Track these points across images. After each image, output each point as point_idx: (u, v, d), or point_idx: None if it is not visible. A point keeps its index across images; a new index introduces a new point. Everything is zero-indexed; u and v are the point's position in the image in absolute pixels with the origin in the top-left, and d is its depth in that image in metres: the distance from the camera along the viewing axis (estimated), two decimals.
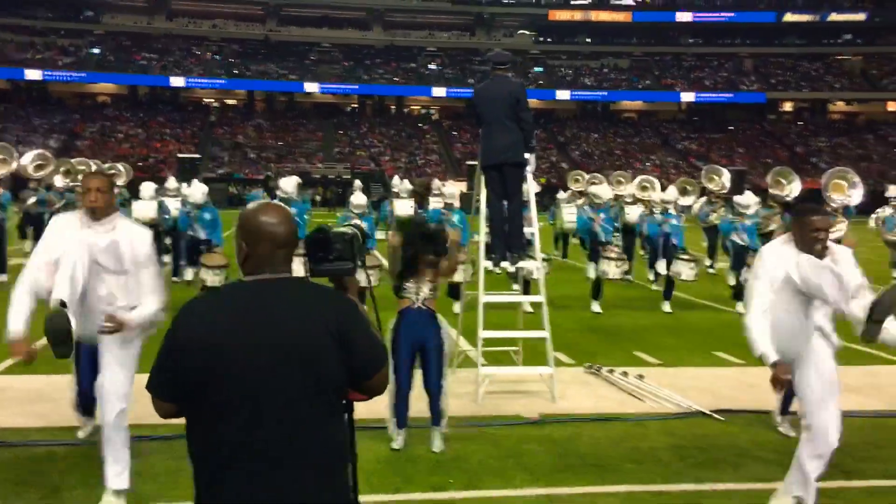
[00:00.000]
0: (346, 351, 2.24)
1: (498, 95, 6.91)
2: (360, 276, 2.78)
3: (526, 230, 7.32)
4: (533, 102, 61.86)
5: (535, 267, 7.21)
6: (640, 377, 7.44)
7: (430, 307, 5.56)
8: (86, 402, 5.30)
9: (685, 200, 14.91)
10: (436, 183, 16.16)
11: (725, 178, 15.67)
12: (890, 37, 63.40)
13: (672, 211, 12.42)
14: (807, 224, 4.34)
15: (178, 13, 63.18)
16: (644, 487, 4.96)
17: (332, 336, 2.22)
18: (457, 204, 11.38)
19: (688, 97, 62.91)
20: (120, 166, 19.43)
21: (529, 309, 8.75)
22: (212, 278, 10.19)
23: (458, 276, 8.26)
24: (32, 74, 55.97)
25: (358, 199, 11.18)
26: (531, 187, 7.37)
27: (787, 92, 63.87)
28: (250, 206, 2.45)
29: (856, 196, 11.95)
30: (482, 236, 7.31)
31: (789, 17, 63.24)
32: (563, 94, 61.99)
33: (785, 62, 65.18)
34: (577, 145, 60.41)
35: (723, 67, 65.27)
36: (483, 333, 6.90)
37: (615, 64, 65.86)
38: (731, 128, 63.35)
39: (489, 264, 7.22)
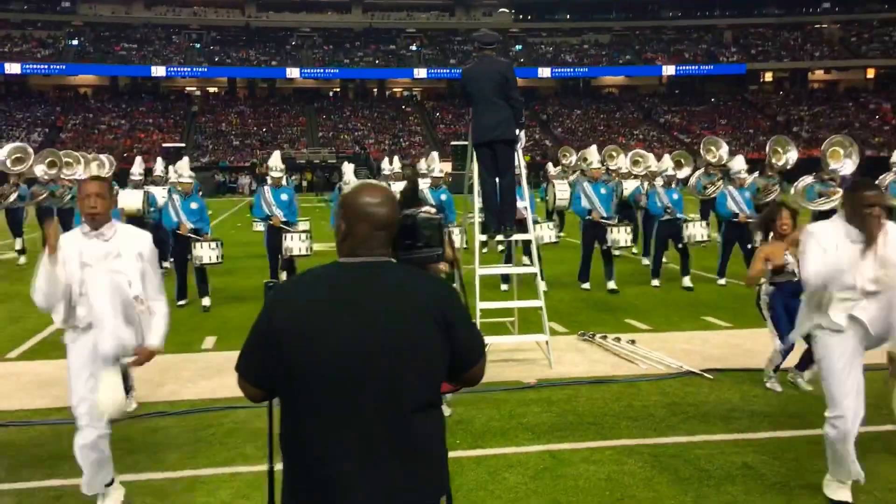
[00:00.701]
0: (449, 340, 2.14)
1: (487, 75, 7.15)
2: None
3: (519, 204, 7.59)
4: None
5: (547, 235, 7.65)
6: (632, 342, 7.76)
7: None
8: None
9: (681, 173, 14.43)
10: (421, 164, 15.77)
11: (724, 150, 15.13)
12: (868, 3, 63.82)
13: (672, 185, 12.15)
14: (860, 199, 4.21)
15: (156, 2, 62.80)
16: (639, 441, 5.26)
17: (437, 324, 2.11)
18: (440, 171, 11.51)
19: (668, 70, 63.15)
20: (104, 158, 19.38)
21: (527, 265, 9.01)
22: (207, 252, 10.26)
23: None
24: (12, 68, 55.62)
25: (349, 174, 11.30)
26: (522, 163, 7.62)
27: (767, 62, 64.20)
28: (352, 186, 2.32)
29: (848, 165, 11.85)
30: (476, 212, 7.58)
31: None
32: (544, 72, 62.10)
33: (764, 32, 65.47)
34: (559, 122, 60.64)
35: (702, 40, 65.53)
36: (481, 304, 7.19)
37: (595, 39, 65.98)
38: (713, 100, 63.71)
39: (484, 237, 7.51)
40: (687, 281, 11.52)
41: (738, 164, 12.27)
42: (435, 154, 12.62)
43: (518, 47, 64.65)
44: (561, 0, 64.68)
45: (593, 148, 14.59)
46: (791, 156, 13.25)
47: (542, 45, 65.40)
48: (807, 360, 6.22)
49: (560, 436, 5.37)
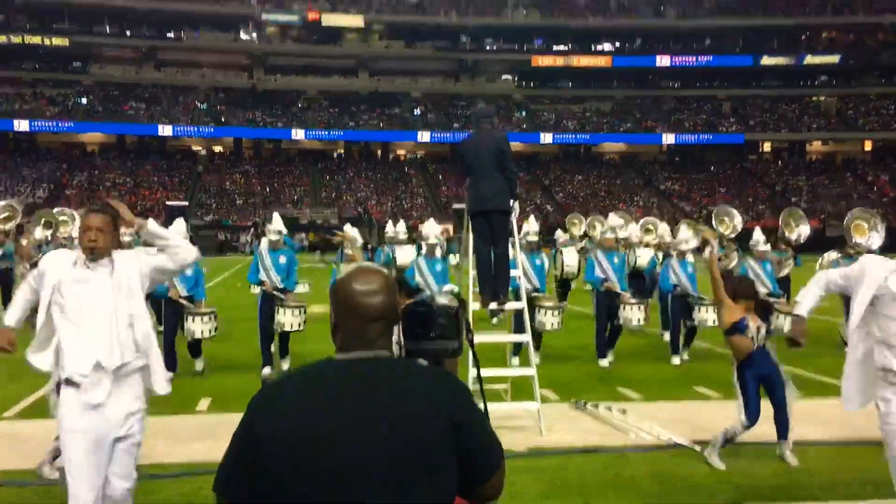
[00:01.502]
0: (462, 447, 1.89)
1: (484, 147, 7.38)
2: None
3: (512, 272, 7.75)
4: (517, 146, 63.08)
5: (549, 323, 7.86)
6: (623, 411, 7.82)
7: None
8: None
9: (693, 243, 13.69)
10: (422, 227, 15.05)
11: (737, 220, 14.51)
12: (863, 77, 65.03)
13: (689, 259, 11.59)
14: None
15: (166, 63, 64.06)
16: None
17: (447, 429, 1.88)
18: (439, 252, 10.69)
19: (669, 139, 64.06)
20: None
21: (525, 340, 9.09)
22: (200, 327, 9.65)
23: None
24: (20, 125, 56.50)
25: (356, 237, 11.08)
26: (516, 233, 7.80)
27: (766, 133, 65.15)
28: (346, 270, 2.12)
29: (876, 238, 11.55)
30: (470, 279, 7.74)
31: (766, 61, 64.74)
32: (546, 138, 63.04)
33: (762, 104, 66.55)
34: (561, 187, 61.26)
35: (702, 109, 66.57)
36: (474, 371, 7.25)
37: (597, 107, 67.06)
38: (712, 168, 64.45)
39: (478, 306, 7.64)
40: (685, 354, 11.23)
41: (757, 235, 11.74)
42: (430, 222, 12.14)
43: (521, 113, 65.70)
44: (563, 69, 65.90)
45: (613, 217, 14.13)
46: (803, 230, 13.04)
47: (545, 111, 66.45)
48: (785, 429, 6.31)
49: None
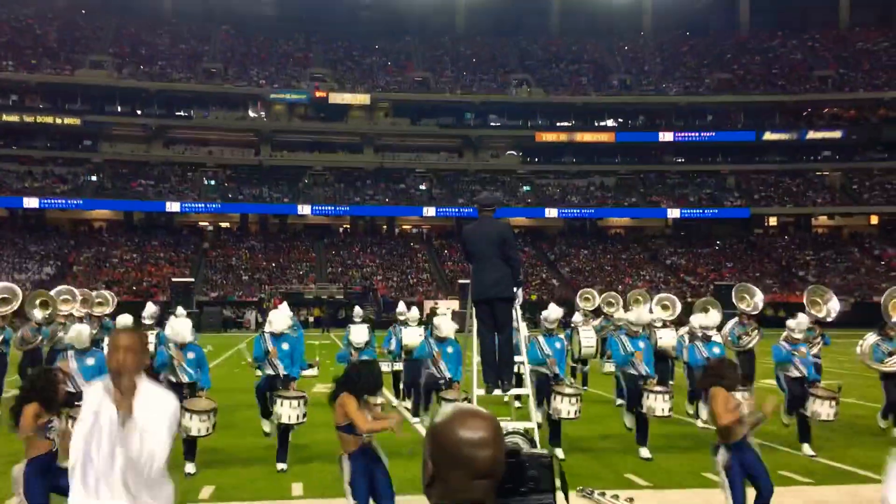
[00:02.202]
0: None
1: (486, 235, 7.37)
2: None
3: (517, 358, 7.61)
4: (522, 220, 63.54)
5: (567, 410, 7.82)
6: (630, 500, 7.57)
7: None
8: None
9: (707, 319, 12.78)
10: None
11: (758, 298, 14.23)
12: (867, 152, 65.54)
13: (716, 338, 11.25)
14: None
15: (174, 141, 65.02)
16: None
17: None
18: (451, 334, 10.69)
19: (673, 213, 64.26)
20: (106, 294, 19.23)
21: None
22: (197, 425, 8.82)
23: None
24: (30, 202, 57.06)
25: (358, 334, 10.55)
26: (521, 320, 7.70)
27: (771, 207, 65.34)
28: (446, 411, 1.84)
29: None
30: (474, 364, 7.60)
31: (769, 136, 65.37)
32: (551, 212, 63.33)
33: (767, 178, 66.93)
34: (566, 262, 61.27)
35: (706, 184, 66.95)
36: None
37: (601, 182, 67.53)
38: (718, 242, 64.47)
39: (482, 391, 7.49)
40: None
41: (800, 320, 10.96)
42: (447, 319, 11.43)
43: (526, 188, 66.18)
44: (567, 144, 66.63)
45: (643, 310, 13.16)
46: (833, 306, 12.64)
47: (549, 186, 66.94)
48: None
49: None
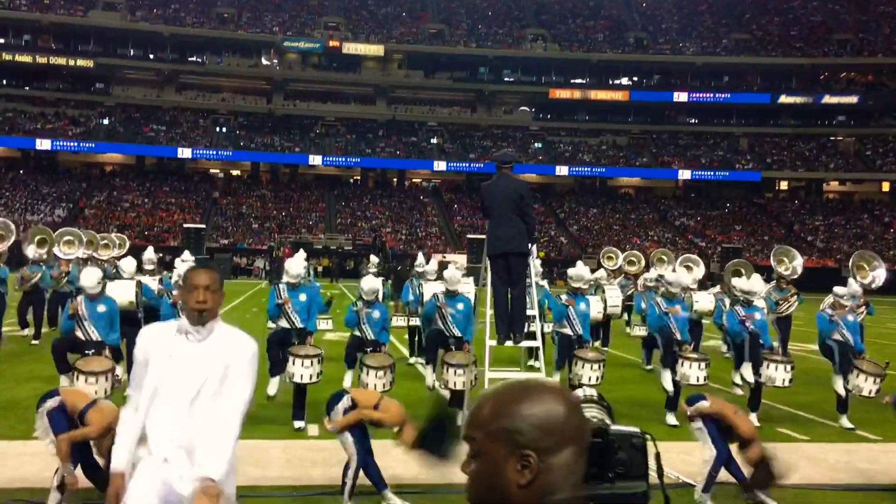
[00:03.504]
0: None
1: (504, 192, 7.59)
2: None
3: (528, 311, 7.85)
4: (532, 177, 63.48)
5: (588, 376, 8.05)
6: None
7: None
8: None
9: (751, 285, 11.14)
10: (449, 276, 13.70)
11: (798, 262, 13.36)
12: (882, 118, 65.07)
13: (757, 303, 10.41)
14: None
15: (187, 87, 64.89)
16: None
17: None
18: (462, 289, 10.05)
19: (684, 174, 64.08)
20: (114, 237, 18.98)
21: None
22: (300, 371, 8.81)
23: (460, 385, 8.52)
24: (42, 144, 57.23)
25: (370, 283, 9.68)
26: (534, 274, 7.92)
27: (783, 171, 65.09)
28: (501, 385, 1.53)
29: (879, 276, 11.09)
30: (487, 317, 7.84)
31: (784, 99, 64.86)
32: (561, 170, 63.25)
33: (780, 142, 66.62)
34: (575, 220, 61.36)
35: (718, 146, 66.67)
36: None
37: (613, 141, 67.31)
38: (728, 205, 64.39)
39: (494, 343, 7.76)
40: (754, 419, 9.19)
41: (851, 288, 10.43)
42: (458, 273, 10.56)
43: (538, 145, 66.04)
44: (580, 101, 66.27)
45: (683, 272, 12.29)
46: (879, 273, 12.28)
47: (561, 143, 66.76)
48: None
49: None
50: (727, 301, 11.55)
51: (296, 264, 9.90)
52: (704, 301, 12.10)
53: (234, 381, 3.38)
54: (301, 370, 8.65)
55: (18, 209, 51.55)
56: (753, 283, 10.50)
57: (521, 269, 7.59)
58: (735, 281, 11.41)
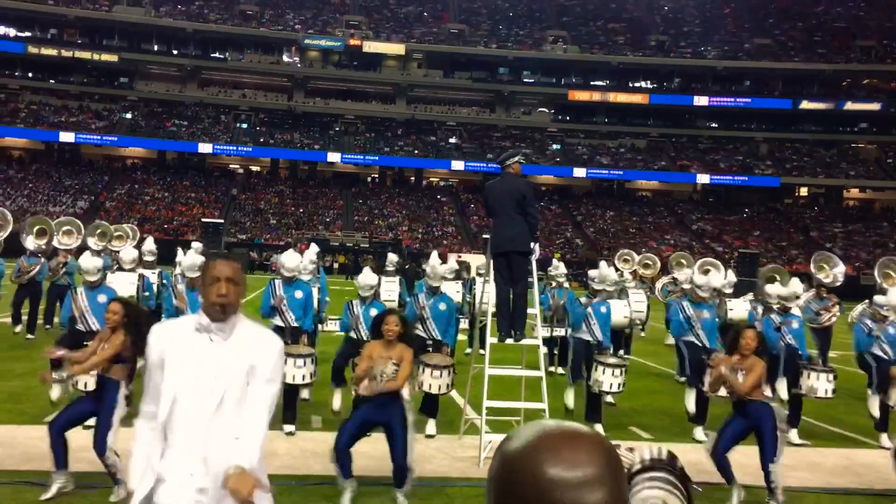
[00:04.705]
0: None
1: (507, 192, 7.77)
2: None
3: (530, 311, 8.01)
4: (550, 179, 63.62)
5: (609, 383, 8.24)
6: (631, 450, 7.94)
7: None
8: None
9: (787, 290, 10.34)
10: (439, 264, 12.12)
11: (839, 269, 12.66)
12: None
13: (795, 311, 9.79)
14: None
15: (209, 82, 65.46)
16: None
17: None
18: (446, 288, 9.68)
19: (703, 179, 63.91)
20: (127, 227, 18.04)
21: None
22: (293, 371, 8.38)
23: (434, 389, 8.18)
24: (66, 136, 57.92)
25: (366, 277, 9.14)
26: (535, 274, 8.07)
27: (802, 177, 64.74)
28: (525, 434, 1.13)
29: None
30: (489, 316, 8.02)
31: (805, 105, 64.50)
32: (579, 172, 63.21)
33: (800, 148, 66.26)
34: (591, 222, 61.32)
35: (738, 151, 66.39)
36: (487, 403, 7.53)
37: (632, 144, 67.20)
38: (746, 210, 64.13)
39: (495, 340, 7.92)
40: (794, 436, 8.94)
41: (892, 297, 9.75)
42: (434, 257, 10.39)
43: (556, 146, 66.04)
44: (599, 104, 66.22)
45: (717, 274, 11.74)
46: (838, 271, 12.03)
47: (579, 145, 66.71)
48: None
49: None
50: (760, 309, 10.90)
51: (292, 258, 9.43)
52: (739, 308, 11.53)
53: (260, 383, 3.08)
54: (293, 370, 8.16)
55: (41, 200, 52.22)
56: (792, 286, 9.86)
57: (522, 267, 7.75)
58: (769, 287, 10.79)
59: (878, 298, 10.00)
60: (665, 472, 1.32)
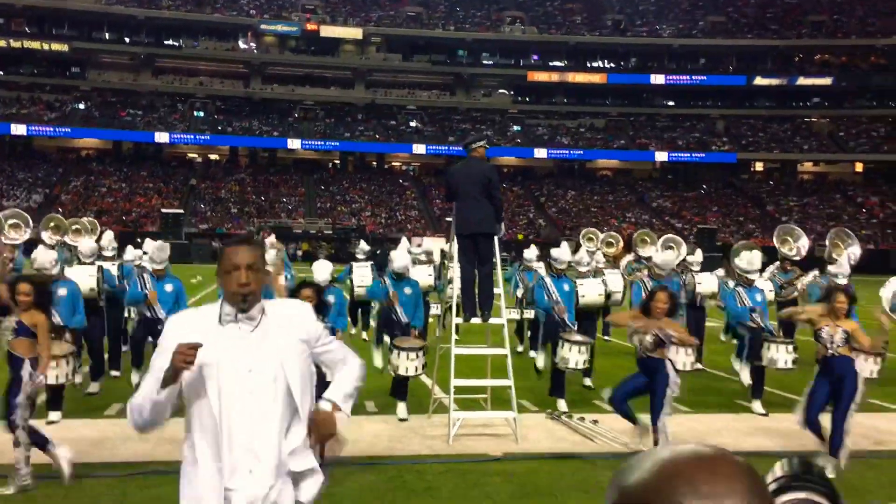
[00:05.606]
0: None
1: (472, 175, 7.97)
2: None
3: (496, 291, 8.22)
4: (511, 160, 63.90)
5: (574, 360, 8.49)
6: (595, 422, 8.24)
7: None
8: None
9: (749, 264, 10.24)
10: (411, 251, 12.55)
11: (803, 241, 12.64)
12: (856, 100, 65.78)
13: (759, 284, 9.97)
14: None
15: (163, 70, 64.52)
16: None
17: None
18: (407, 270, 9.57)
19: (661, 156, 64.66)
20: (86, 221, 17.33)
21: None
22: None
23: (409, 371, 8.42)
24: (17, 129, 56.76)
25: (320, 268, 8.97)
26: (498, 254, 8.27)
27: (758, 153, 65.78)
28: (656, 459, 0.96)
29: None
30: (454, 296, 8.18)
31: (759, 81, 65.40)
32: (540, 153, 63.58)
33: (755, 124, 67.23)
34: (553, 202, 61.78)
35: (695, 128, 67.21)
36: (455, 381, 7.72)
37: (591, 123, 67.67)
38: (704, 186, 65.03)
39: (460, 320, 8.11)
40: (758, 406, 9.37)
41: (843, 263, 10.16)
42: (403, 242, 11.00)
43: (516, 128, 66.30)
44: (558, 84, 66.55)
45: (671, 253, 11.78)
46: (854, 251, 12.11)
47: (539, 126, 67.04)
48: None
49: None
50: (730, 284, 10.89)
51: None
52: (708, 282, 11.61)
53: (323, 341, 3.06)
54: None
55: None
56: (752, 260, 9.86)
57: (489, 248, 7.97)
58: (736, 260, 10.61)
59: (830, 268, 10.35)
60: (809, 490, 1.17)
